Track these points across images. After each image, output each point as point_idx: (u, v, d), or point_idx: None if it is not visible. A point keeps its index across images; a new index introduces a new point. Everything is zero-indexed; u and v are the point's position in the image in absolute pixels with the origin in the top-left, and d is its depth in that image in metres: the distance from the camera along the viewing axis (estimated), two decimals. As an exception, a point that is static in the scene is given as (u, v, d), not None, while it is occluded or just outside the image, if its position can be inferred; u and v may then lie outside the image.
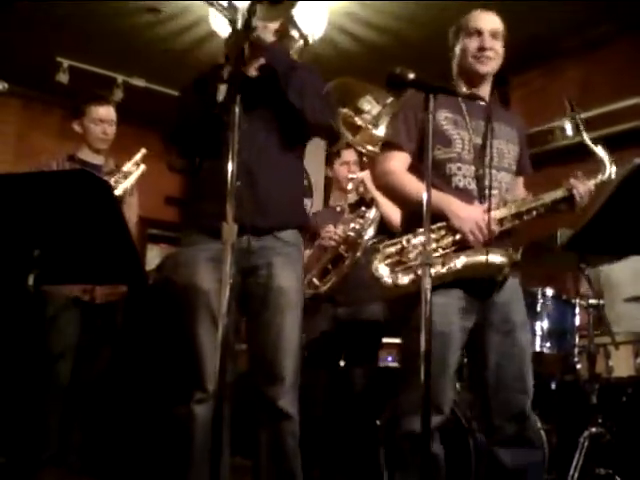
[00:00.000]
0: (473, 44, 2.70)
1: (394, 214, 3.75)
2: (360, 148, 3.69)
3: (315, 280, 3.85)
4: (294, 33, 2.86)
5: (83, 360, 3.62)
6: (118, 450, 4.16)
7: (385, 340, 4.30)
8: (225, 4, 2.53)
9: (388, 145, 2.71)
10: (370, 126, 3.64)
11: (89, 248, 2.32)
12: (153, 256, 7.43)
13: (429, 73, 2.22)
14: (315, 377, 3.88)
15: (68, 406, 3.58)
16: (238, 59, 2.32)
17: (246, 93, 2.56)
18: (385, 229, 3.77)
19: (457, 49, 2.76)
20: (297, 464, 2.53)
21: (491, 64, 2.71)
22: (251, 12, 2.27)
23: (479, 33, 2.70)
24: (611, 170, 2.69)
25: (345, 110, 3.67)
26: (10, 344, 3.54)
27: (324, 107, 2.68)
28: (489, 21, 2.73)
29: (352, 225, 3.80)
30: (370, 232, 3.78)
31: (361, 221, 3.80)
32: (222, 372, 1.99)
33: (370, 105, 3.69)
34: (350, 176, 3.88)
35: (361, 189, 3.87)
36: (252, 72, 2.64)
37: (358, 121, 3.67)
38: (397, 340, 4.40)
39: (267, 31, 2.60)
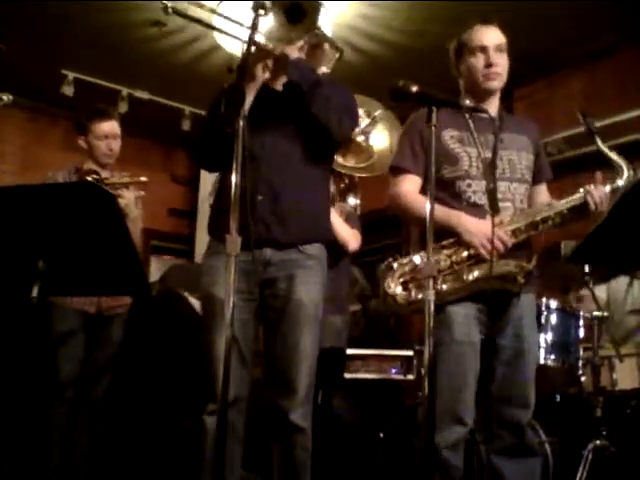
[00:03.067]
0: (480, 62, 2.68)
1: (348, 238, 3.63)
2: (340, 169, 3.68)
3: None
4: (326, 47, 2.86)
5: (89, 371, 3.62)
6: (124, 461, 4.15)
7: (389, 352, 4.30)
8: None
9: (396, 170, 2.74)
10: (359, 138, 3.65)
11: (93, 259, 2.32)
12: (156, 268, 7.40)
13: (433, 86, 2.22)
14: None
15: (73, 417, 3.58)
16: (241, 71, 2.31)
17: (272, 106, 2.58)
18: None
19: (463, 68, 2.75)
20: (307, 478, 2.51)
21: (500, 79, 2.71)
22: (254, 26, 2.27)
23: (483, 50, 2.68)
24: (629, 174, 2.62)
25: None
26: (15, 355, 3.54)
27: (349, 120, 2.68)
28: (492, 36, 2.71)
29: None
30: None
31: None
32: (225, 381, 2.02)
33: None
34: None
35: None
36: (278, 86, 2.63)
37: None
38: (400, 352, 4.44)
39: (292, 47, 2.57)
